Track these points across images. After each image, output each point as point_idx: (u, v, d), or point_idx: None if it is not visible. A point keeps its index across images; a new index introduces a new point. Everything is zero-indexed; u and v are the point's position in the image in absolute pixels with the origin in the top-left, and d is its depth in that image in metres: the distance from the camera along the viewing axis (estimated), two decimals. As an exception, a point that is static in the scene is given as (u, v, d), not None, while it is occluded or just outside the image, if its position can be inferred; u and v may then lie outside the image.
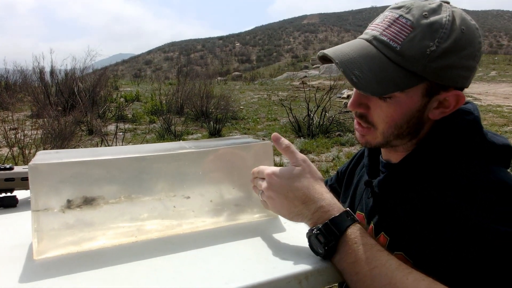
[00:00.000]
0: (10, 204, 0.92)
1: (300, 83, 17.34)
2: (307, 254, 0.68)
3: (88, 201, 0.68)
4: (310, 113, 7.76)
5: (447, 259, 0.63)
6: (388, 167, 0.83)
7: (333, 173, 5.08)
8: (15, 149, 4.81)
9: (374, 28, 0.73)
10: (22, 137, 4.85)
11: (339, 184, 1.09)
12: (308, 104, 7.90)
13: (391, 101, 0.72)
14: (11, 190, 0.95)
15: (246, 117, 9.90)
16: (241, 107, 11.42)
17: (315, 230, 0.66)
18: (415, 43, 0.67)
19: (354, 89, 0.74)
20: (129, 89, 14.81)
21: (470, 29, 0.70)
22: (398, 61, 0.68)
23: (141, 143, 4.49)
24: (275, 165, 0.79)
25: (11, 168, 0.96)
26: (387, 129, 0.75)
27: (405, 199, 0.75)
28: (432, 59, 0.67)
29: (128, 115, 9.51)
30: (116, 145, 5.33)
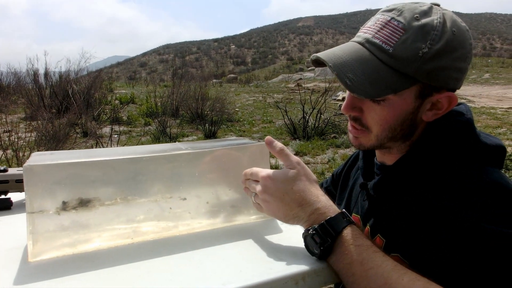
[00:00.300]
0: (5, 206, 0.91)
1: (295, 85, 17.38)
2: (303, 255, 0.68)
3: (83, 203, 0.68)
4: (305, 115, 7.79)
5: (443, 260, 0.63)
6: (382, 169, 0.84)
7: (328, 175, 5.10)
8: (8, 151, 4.77)
9: (366, 31, 0.73)
10: (16, 140, 4.81)
11: (334, 187, 1.09)
12: (303, 106, 7.92)
13: (385, 104, 0.72)
14: (6, 193, 0.94)
15: (241, 119, 9.90)
16: (237, 109, 11.43)
17: (311, 230, 0.66)
18: (407, 45, 0.67)
19: (348, 92, 0.74)
20: (124, 91, 14.77)
21: (461, 30, 0.70)
22: (391, 64, 0.69)
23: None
24: (271, 166, 0.79)
25: (5, 170, 0.95)
26: (381, 132, 0.75)
27: (400, 201, 0.75)
28: (424, 61, 0.67)
29: (123, 118, 9.48)
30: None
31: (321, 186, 1.13)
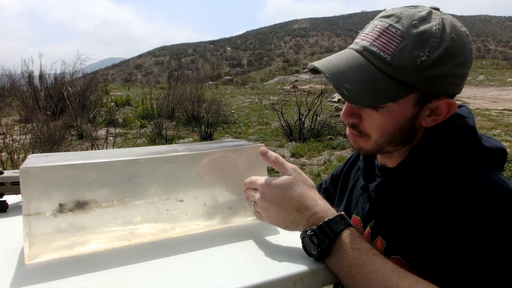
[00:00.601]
0: (0, 209, 0.91)
1: (291, 87, 17.40)
2: (301, 256, 0.68)
3: (80, 205, 0.67)
4: (301, 117, 7.79)
5: (444, 263, 0.63)
6: (383, 171, 0.84)
7: (324, 176, 5.11)
8: (3, 154, 4.74)
9: (364, 38, 0.72)
10: (11, 142, 4.78)
11: (333, 187, 1.09)
12: (299, 108, 7.93)
13: (383, 111, 0.72)
14: (1, 195, 0.93)
15: (237, 121, 9.90)
16: (233, 111, 11.42)
17: (309, 231, 0.66)
18: (405, 53, 0.66)
19: None
20: (120, 93, 14.72)
21: (461, 36, 0.69)
22: (388, 72, 0.68)
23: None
24: (269, 170, 0.79)
25: (1, 173, 0.94)
26: (380, 138, 0.75)
27: (401, 204, 0.75)
28: (422, 69, 0.66)
29: (119, 120, 9.44)
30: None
31: (320, 186, 1.13)
